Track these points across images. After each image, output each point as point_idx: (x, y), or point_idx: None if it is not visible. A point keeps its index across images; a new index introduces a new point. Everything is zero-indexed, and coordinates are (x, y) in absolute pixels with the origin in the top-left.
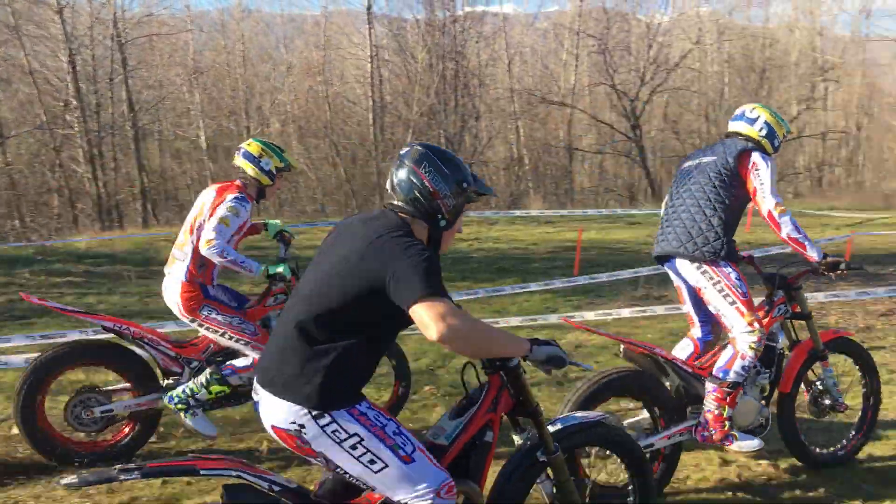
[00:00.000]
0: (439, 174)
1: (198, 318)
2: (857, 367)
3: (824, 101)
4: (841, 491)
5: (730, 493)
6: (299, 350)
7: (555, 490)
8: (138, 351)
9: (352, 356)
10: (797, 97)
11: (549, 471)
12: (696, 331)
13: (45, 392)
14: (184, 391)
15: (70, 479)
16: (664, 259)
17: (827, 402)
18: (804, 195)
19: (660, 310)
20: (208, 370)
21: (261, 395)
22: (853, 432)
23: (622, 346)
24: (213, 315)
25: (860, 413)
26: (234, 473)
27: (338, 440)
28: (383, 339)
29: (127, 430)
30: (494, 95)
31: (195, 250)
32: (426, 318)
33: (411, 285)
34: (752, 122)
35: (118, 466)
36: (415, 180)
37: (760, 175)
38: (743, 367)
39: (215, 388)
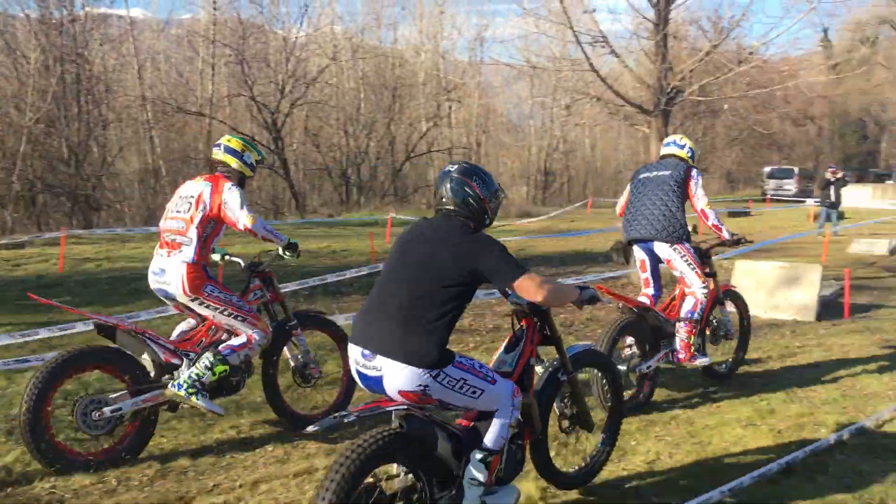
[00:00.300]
0: (484, 184)
1: (200, 296)
2: (737, 308)
3: (449, 118)
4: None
5: None
6: (418, 325)
7: (568, 402)
8: (127, 351)
9: (452, 323)
10: (426, 115)
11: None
12: (651, 290)
13: (49, 403)
14: (189, 377)
15: (313, 427)
16: (638, 241)
17: (722, 333)
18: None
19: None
20: (209, 353)
21: (384, 366)
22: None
23: (620, 304)
24: (216, 293)
25: (739, 340)
26: (404, 408)
27: (451, 387)
28: (465, 307)
29: (130, 430)
30: (124, 103)
31: (200, 235)
32: (531, 289)
33: (509, 270)
34: (682, 147)
35: (336, 414)
36: (468, 190)
37: (698, 183)
38: (701, 309)
39: (218, 368)
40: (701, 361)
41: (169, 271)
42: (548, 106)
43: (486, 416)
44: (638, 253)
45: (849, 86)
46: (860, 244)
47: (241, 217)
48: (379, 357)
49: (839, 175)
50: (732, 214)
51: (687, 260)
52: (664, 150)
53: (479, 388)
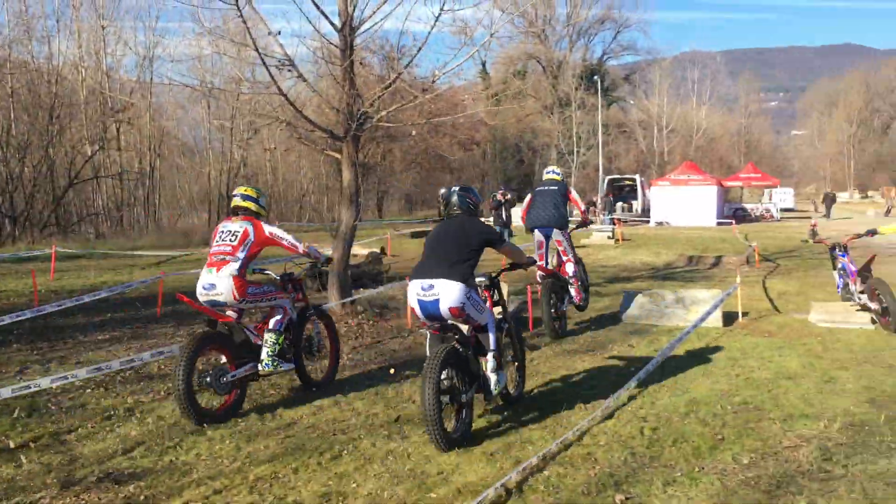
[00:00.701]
0: (474, 195)
1: (247, 297)
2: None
3: (118, 141)
4: None
5: None
6: (460, 265)
7: (508, 341)
8: (233, 335)
9: (475, 266)
10: (90, 137)
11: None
12: (544, 263)
13: (193, 373)
14: (268, 354)
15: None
16: (539, 227)
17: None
18: (107, 236)
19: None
20: (267, 335)
21: (440, 287)
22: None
23: (539, 273)
24: (256, 291)
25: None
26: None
27: (474, 305)
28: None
29: (234, 393)
30: None
31: (245, 257)
32: (507, 251)
33: (500, 242)
34: (558, 174)
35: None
36: (468, 199)
37: (573, 192)
38: (575, 271)
39: (281, 339)
40: (580, 297)
41: (219, 285)
42: (227, 129)
43: (482, 331)
44: (538, 235)
45: (506, 114)
46: None
47: (297, 245)
48: (438, 282)
49: (508, 196)
50: (415, 235)
51: (571, 243)
52: (548, 176)
53: (483, 307)
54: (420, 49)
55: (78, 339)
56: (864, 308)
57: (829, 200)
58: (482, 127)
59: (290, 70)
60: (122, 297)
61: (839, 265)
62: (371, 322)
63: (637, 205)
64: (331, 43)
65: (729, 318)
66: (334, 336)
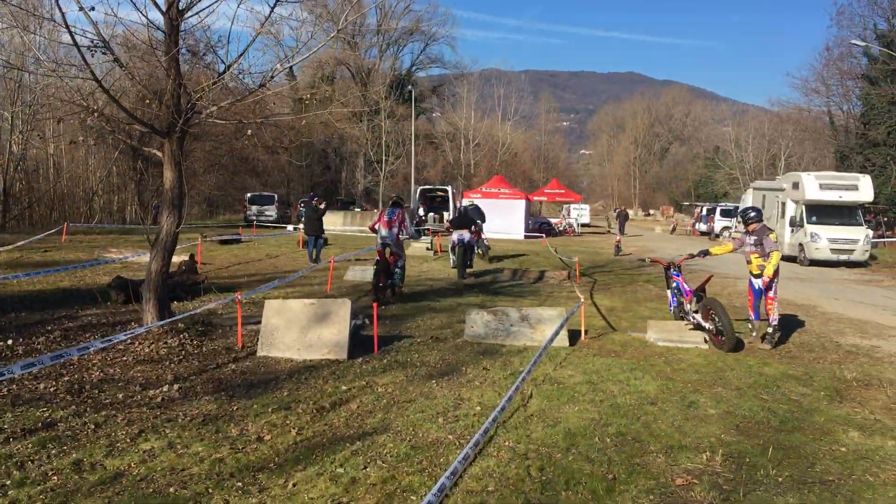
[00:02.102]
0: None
1: (399, 244)
2: None
3: None
4: None
5: None
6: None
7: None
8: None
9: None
10: None
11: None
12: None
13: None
14: (396, 278)
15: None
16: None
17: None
18: None
19: None
20: (398, 268)
21: (466, 234)
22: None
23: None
24: (400, 244)
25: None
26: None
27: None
28: None
29: (386, 291)
30: None
31: (401, 227)
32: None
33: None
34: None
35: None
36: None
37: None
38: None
39: (402, 272)
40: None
41: (390, 237)
42: (6, 118)
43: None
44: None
45: (312, 119)
46: (354, 272)
47: (407, 229)
48: (466, 232)
49: (323, 205)
50: (225, 242)
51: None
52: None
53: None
54: (253, 40)
55: None
56: (698, 327)
57: (623, 217)
58: (288, 130)
59: (103, 53)
60: None
61: (673, 284)
62: (195, 342)
63: (448, 216)
64: (154, 26)
65: (573, 337)
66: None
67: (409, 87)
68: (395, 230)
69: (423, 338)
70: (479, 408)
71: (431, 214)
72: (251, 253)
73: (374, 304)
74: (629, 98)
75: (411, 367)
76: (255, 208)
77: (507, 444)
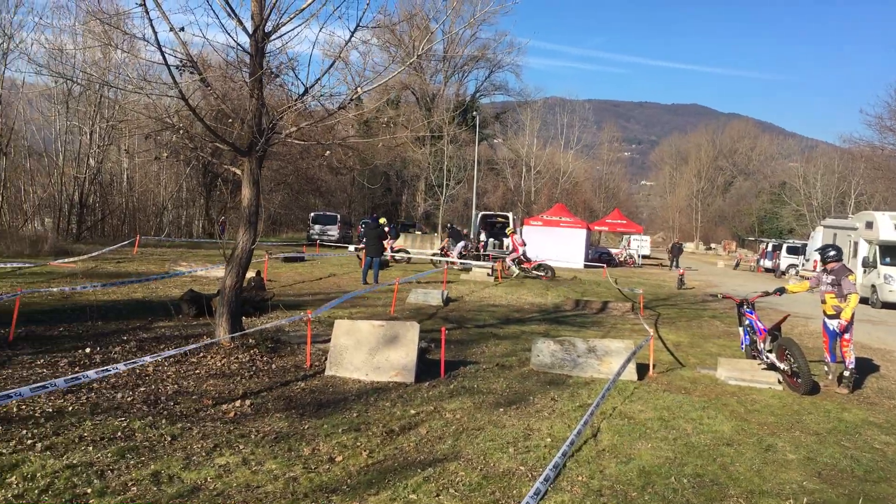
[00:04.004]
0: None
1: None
2: None
3: None
4: None
5: None
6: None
7: None
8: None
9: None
10: None
11: None
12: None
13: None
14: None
15: None
16: None
17: None
18: None
19: None
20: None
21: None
22: None
23: None
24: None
25: None
26: None
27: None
28: None
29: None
30: None
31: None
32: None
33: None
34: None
35: None
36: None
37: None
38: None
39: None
40: None
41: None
42: (85, 132)
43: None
44: None
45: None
46: (417, 294)
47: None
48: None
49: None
50: (289, 260)
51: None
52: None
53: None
54: (333, 63)
55: None
56: (772, 367)
57: (676, 251)
58: (352, 152)
59: (191, 72)
60: None
61: (746, 321)
62: (264, 358)
63: (509, 242)
64: (241, 48)
65: (641, 371)
66: None
67: (473, 113)
68: None
69: (489, 364)
70: (549, 439)
71: (492, 240)
72: (315, 271)
73: (443, 329)
74: (693, 129)
75: (478, 394)
76: (318, 227)
77: (580, 478)
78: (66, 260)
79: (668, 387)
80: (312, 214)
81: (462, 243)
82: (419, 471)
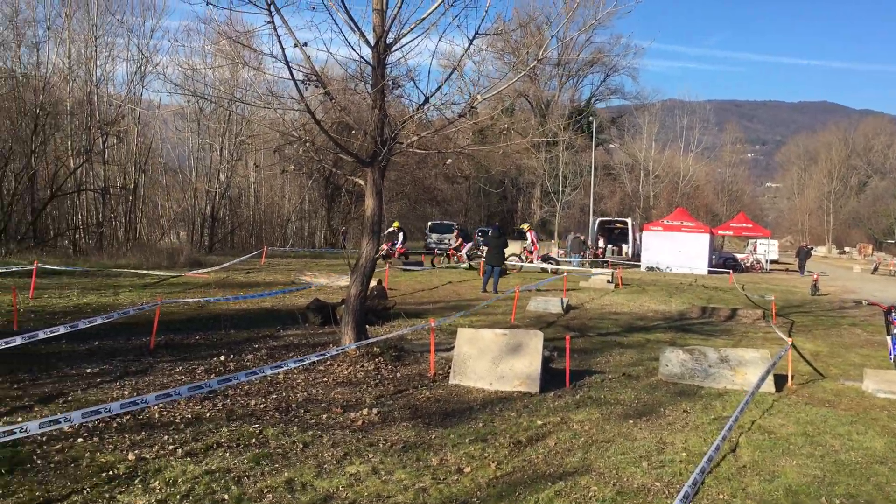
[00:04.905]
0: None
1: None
2: None
3: (103, 155)
4: None
5: None
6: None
7: None
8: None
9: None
10: (75, 149)
11: None
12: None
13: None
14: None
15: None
16: None
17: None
18: (85, 252)
19: None
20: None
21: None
22: None
23: None
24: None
25: None
26: None
27: None
28: None
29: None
30: None
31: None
32: None
33: None
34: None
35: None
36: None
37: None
38: None
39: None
40: None
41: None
42: (215, 148)
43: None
44: None
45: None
46: (537, 302)
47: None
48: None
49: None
50: (408, 269)
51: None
52: None
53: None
54: (452, 72)
55: (64, 372)
56: None
57: (804, 254)
58: (467, 160)
59: (315, 86)
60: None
61: (895, 330)
62: (389, 367)
63: (627, 248)
64: (364, 60)
65: (779, 382)
66: None
67: (590, 118)
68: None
69: (615, 374)
70: (684, 453)
71: (610, 246)
72: (433, 280)
73: (567, 338)
74: (822, 128)
75: (606, 405)
76: (435, 236)
77: (721, 497)
78: (200, 271)
79: (810, 399)
80: (429, 224)
81: (471, 244)
82: (549, 484)
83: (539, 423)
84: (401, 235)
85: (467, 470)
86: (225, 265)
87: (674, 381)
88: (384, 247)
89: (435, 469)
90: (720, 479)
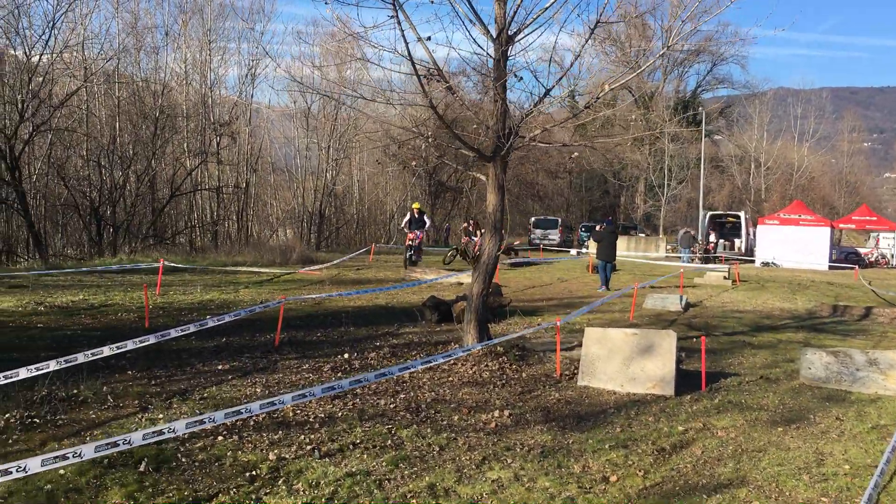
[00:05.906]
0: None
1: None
2: None
3: (218, 156)
4: None
5: None
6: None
7: None
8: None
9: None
10: (190, 150)
11: None
12: None
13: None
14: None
15: None
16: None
17: None
18: (201, 249)
19: None
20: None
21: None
22: None
23: None
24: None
25: None
26: None
27: None
28: None
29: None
30: None
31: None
32: None
33: None
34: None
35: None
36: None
37: None
38: None
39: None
40: None
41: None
42: (322, 147)
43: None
44: None
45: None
46: (654, 300)
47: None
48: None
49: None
50: (515, 265)
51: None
52: None
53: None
54: (572, 64)
55: (196, 368)
56: None
57: None
58: (570, 155)
59: (437, 81)
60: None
61: None
62: (513, 367)
63: (740, 243)
64: (487, 53)
65: None
66: None
67: (698, 109)
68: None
69: (752, 377)
70: (846, 466)
71: (721, 241)
72: (543, 276)
73: (703, 339)
74: None
75: (749, 410)
76: (538, 232)
77: None
78: (312, 268)
79: None
80: (533, 219)
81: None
82: (705, 497)
83: (680, 429)
84: (427, 221)
85: (613, 479)
86: (335, 262)
87: (818, 385)
88: (411, 234)
89: (579, 477)
90: (893, 496)
